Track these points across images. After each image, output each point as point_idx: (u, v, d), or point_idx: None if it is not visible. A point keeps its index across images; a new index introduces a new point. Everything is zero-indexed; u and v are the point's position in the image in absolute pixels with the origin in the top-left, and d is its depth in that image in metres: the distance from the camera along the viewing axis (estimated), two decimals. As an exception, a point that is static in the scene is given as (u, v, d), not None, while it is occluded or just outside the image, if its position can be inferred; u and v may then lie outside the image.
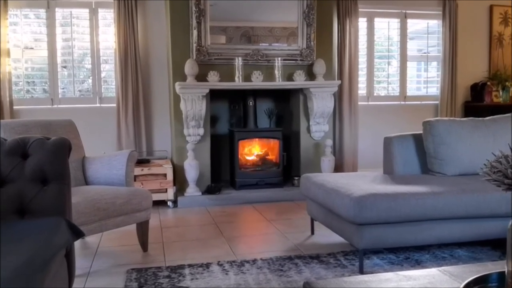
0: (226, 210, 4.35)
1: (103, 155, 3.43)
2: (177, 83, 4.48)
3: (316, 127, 4.94)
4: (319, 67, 4.82)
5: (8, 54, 4.57)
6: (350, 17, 5.33)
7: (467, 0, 5.84)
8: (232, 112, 5.03)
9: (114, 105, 4.86)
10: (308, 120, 4.96)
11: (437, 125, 3.37)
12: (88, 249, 3.26)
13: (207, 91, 4.52)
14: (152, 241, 3.32)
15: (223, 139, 5.06)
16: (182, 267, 2.83)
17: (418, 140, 3.50)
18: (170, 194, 4.49)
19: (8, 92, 4.57)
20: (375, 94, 5.77)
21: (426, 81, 5.98)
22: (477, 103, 5.81)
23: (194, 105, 4.47)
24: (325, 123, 4.96)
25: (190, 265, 2.85)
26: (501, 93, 5.80)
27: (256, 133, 4.90)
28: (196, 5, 4.54)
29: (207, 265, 2.85)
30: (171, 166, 4.55)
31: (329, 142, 4.87)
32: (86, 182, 3.28)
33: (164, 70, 5.05)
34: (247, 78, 4.70)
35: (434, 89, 5.95)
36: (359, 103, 5.51)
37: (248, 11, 4.76)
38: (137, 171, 4.32)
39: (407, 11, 5.72)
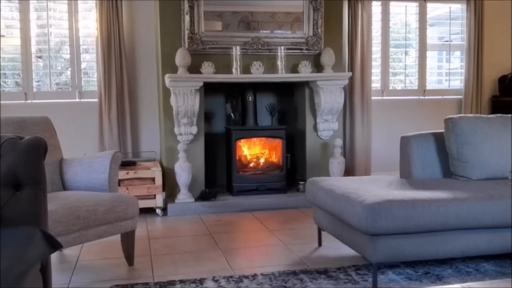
0: (222, 218, 4.35)
1: (83, 156, 3.43)
2: (166, 76, 4.48)
3: (324, 125, 4.94)
4: (328, 57, 4.81)
5: (-24, 42, 4.58)
6: (362, 0, 5.33)
7: (494, -19, 5.85)
8: (229, 108, 5.03)
9: (96, 100, 4.86)
10: (314, 117, 4.97)
11: (460, 122, 3.37)
12: (66, 263, 3.25)
13: (201, 84, 4.52)
14: (138, 253, 3.32)
15: (219, 139, 5.06)
16: (172, 283, 2.83)
17: (439, 139, 3.49)
18: (159, 201, 4.49)
19: (-24, 85, 4.58)
20: (390, 88, 5.77)
21: (448, 73, 5.98)
22: (505, 98, 5.80)
23: (186, 100, 4.47)
24: (334, 120, 4.96)
25: (181, 281, 2.85)
26: (533, 86, 5.81)
27: (256, 131, 4.90)
28: (188, -13, 4.55)
29: (201, 281, 2.85)
30: (160, 169, 4.55)
31: (339, 142, 4.87)
32: (64, 187, 3.27)
33: (152, 61, 5.05)
34: (246, 69, 4.70)
35: (457, 82, 5.95)
36: (373, 98, 5.52)
37: (247, -6, 4.77)
38: (122, 174, 4.32)
39: (427, -6, 5.73)
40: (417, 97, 5.82)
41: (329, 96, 4.80)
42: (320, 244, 3.49)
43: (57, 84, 5.03)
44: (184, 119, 4.56)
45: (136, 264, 3.17)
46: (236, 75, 4.63)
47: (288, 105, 5.24)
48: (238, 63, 4.63)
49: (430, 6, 5.77)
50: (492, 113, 5.55)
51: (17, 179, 1.94)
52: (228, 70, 4.66)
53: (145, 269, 3.10)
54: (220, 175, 5.09)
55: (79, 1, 4.88)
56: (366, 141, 5.46)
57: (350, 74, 5.01)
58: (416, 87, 5.83)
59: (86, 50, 5.00)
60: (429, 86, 5.89)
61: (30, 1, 4.78)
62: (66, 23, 4.88)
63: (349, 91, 5.36)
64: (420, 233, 2.69)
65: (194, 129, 4.64)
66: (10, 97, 4.81)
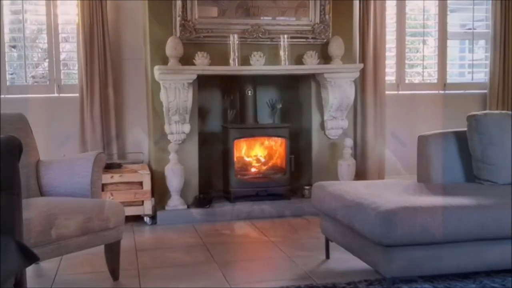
0: (219, 228, 4.35)
1: (62, 158, 3.43)
2: (156, 67, 4.48)
3: (332, 123, 4.94)
4: (336, 47, 4.82)
5: None
6: (375, -17, 5.34)
7: (523, -38, 5.85)
8: (227, 104, 5.03)
9: (77, 95, 4.86)
10: (322, 114, 4.97)
11: (485, 120, 3.37)
12: (43, 277, 3.25)
13: (194, 77, 4.52)
14: (124, 267, 3.31)
15: (214, 138, 5.05)
16: (162, 300, 2.83)
17: (461, 139, 3.50)
18: (147, 208, 4.49)
19: None
20: (406, 82, 5.77)
21: (471, 64, 5.98)
22: (536, 93, 5.81)
23: (177, 95, 4.47)
24: (344, 117, 4.97)
25: (172, 298, 2.85)
26: None
27: (256, 130, 4.90)
28: (180, -32, 4.56)
29: (194, 298, 2.85)
30: (148, 172, 4.55)
31: (349, 141, 4.87)
32: (41, 193, 3.27)
33: (140, 51, 5.05)
34: (244, 61, 4.70)
35: (482, 75, 5.95)
36: (387, 92, 5.51)
37: (246, -24, 4.77)
38: (106, 178, 4.32)
39: (448, -24, 5.73)
40: (437, 92, 5.82)
41: (338, 91, 4.80)
42: (328, 256, 3.49)
43: (33, 77, 5.03)
44: (176, 116, 4.56)
45: (122, 279, 3.16)
46: (233, 67, 4.63)
47: (292, 101, 5.23)
48: (236, 54, 4.63)
49: (451, -11, 5.78)
50: (521, 109, 5.56)
51: (-12, 183, 1.94)
52: (225, 62, 4.66)
53: (131, 284, 3.10)
54: (216, 179, 5.09)
55: (58, -16, 4.89)
56: (379, 141, 5.45)
57: (361, 65, 5.01)
58: (436, 81, 5.82)
59: (66, 39, 4.99)
60: (450, 79, 5.88)
61: (3, -16, 4.79)
62: (43, 9, 4.87)
63: (360, 85, 5.35)
64: (440, 244, 2.69)
65: (186, 128, 4.64)
66: (-20, 91, 4.82)
